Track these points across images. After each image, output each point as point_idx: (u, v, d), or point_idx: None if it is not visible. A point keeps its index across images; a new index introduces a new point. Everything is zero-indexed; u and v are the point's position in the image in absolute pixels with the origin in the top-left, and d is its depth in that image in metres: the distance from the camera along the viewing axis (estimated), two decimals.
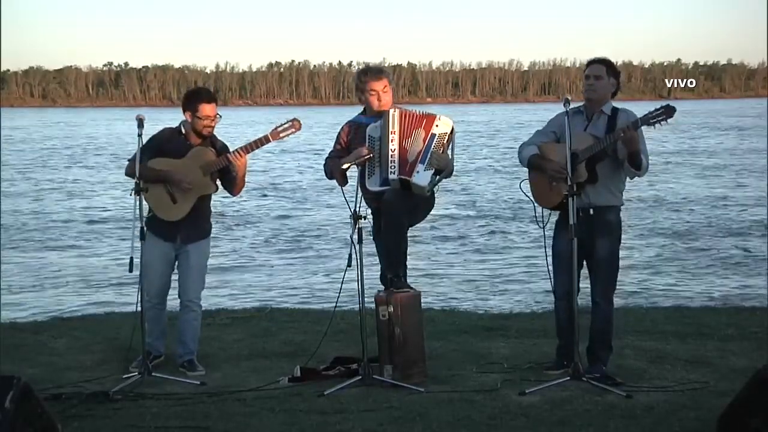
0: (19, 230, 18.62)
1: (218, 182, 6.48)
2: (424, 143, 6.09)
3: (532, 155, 6.15)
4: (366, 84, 6.25)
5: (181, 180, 6.26)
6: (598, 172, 5.98)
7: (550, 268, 6.21)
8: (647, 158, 6.01)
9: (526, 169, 6.25)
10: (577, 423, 5.17)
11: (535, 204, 6.22)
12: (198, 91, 6.49)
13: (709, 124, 59.23)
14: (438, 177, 6.12)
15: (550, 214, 6.20)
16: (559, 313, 6.24)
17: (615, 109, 6.11)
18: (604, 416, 5.27)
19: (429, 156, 6.06)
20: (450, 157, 6.18)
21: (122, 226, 18.40)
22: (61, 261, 15.06)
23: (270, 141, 6.33)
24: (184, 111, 6.40)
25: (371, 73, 6.26)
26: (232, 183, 6.44)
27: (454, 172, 6.31)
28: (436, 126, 6.12)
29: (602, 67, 6.15)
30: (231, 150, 6.36)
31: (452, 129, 6.15)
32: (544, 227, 6.16)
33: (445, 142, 6.12)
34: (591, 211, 6.02)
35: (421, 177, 6.05)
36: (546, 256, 6.22)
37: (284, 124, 6.39)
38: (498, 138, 49.11)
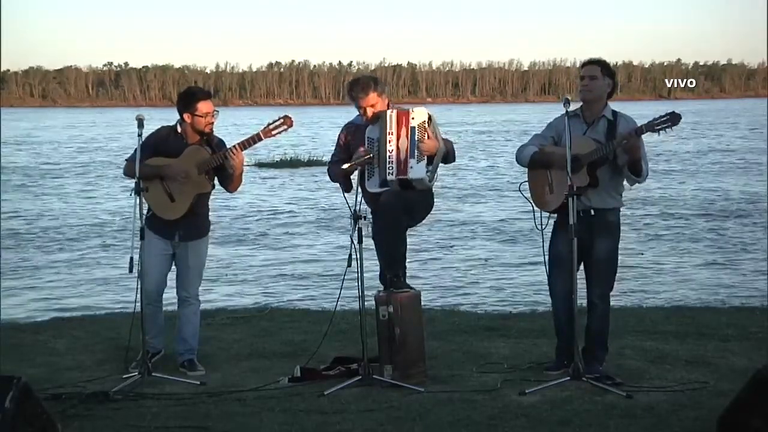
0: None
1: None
2: (408, 139, 6.11)
3: (535, 152, 6.16)
4: (356, 101, 6.28)
5: (176, 174, 6.27)
6: (599, 176, 5.99)
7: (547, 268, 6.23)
8: (647, 165, 6.03)
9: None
10: (577, 423, 5.17)
11: (534, 206, 6.23)
12: (192, 91, 6.49)
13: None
14: (432, 165, 6.13)
15: (549, 216, 6.21)
16: (559, 314, 6.24)
17: (615, 113, 6.11)
18: (604, 416, 5.27)
19: (415, 148, 6.09)
20: (437, 140, 6.17)
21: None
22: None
23: (262, 139, 6.34)
24: (182, 113, 6.38)
25: (358, 88, 6.26)
26: (229, 180, 6.44)
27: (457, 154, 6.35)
28: (412, 119, 6.13)
29: (597, 67, 6.14)
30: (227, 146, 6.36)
31: (429, 116, 6.15)
32: (542, 230, 6.17)
33: (427, 128, 6.13)
34: (592, 212, 6.03)
35: (416, 170, 6.07)
36: (544, 257, 6.24)
37: (276, 121, 6.40)
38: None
